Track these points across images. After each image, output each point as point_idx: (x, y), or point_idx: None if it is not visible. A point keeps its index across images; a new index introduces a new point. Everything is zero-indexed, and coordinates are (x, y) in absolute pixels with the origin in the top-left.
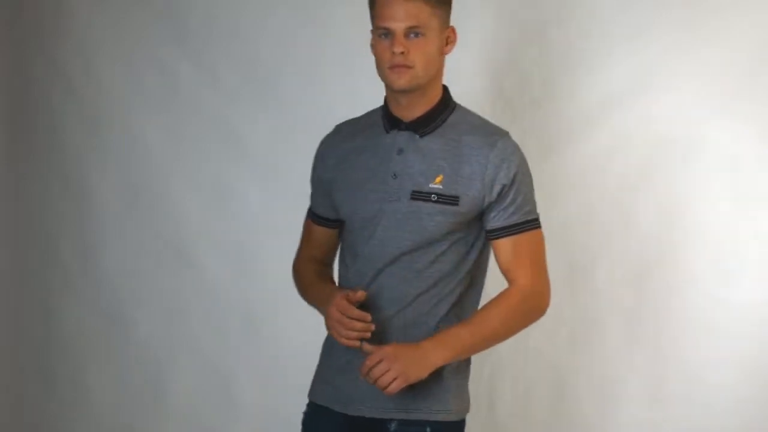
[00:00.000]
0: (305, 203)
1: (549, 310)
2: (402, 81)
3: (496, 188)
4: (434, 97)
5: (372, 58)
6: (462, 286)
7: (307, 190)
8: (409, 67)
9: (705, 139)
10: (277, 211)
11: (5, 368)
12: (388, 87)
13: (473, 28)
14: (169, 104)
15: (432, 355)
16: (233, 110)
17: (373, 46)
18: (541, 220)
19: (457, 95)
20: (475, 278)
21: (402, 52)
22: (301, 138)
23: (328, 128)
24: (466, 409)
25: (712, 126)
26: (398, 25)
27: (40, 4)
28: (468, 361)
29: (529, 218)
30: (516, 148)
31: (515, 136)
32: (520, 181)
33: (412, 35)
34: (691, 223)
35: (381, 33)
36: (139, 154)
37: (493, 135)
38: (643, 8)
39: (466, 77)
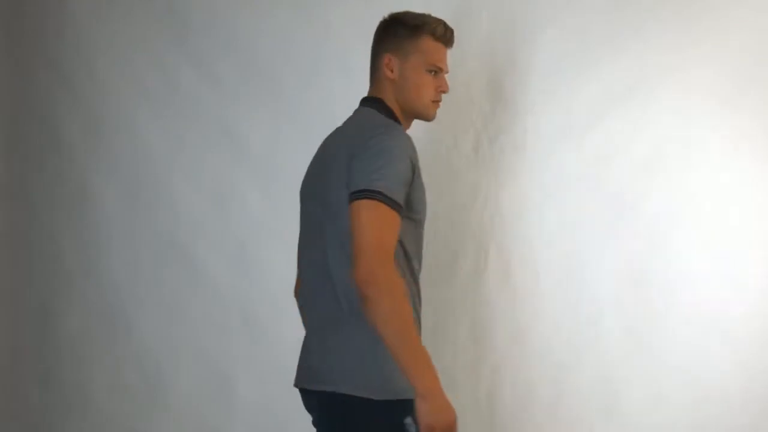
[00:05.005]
0: None
1: (549, 311)
2: (435, 113)
3: None
4: None
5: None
6: None
7: None
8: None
9: (705, 138)
10: (277, 211)
11: (5, 369)
12: (417, 113)
13: (473, 29)
14: (170, 104)
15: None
16: (233, 110)
17: (410, 78)
18: (540, 218)
19: (457, 95)
20: None
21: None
22: (301, 138)
23: (328, 128)
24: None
25: (711, 125)
26: (446, 69)
27: (40, 5)
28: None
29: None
30: None
31: (515, 136)
32: None
33: None
34: (691, 223)
35: (431, 70)
36: (140, 154)
37: None
38: (640, 7)
39: (466, 78)
